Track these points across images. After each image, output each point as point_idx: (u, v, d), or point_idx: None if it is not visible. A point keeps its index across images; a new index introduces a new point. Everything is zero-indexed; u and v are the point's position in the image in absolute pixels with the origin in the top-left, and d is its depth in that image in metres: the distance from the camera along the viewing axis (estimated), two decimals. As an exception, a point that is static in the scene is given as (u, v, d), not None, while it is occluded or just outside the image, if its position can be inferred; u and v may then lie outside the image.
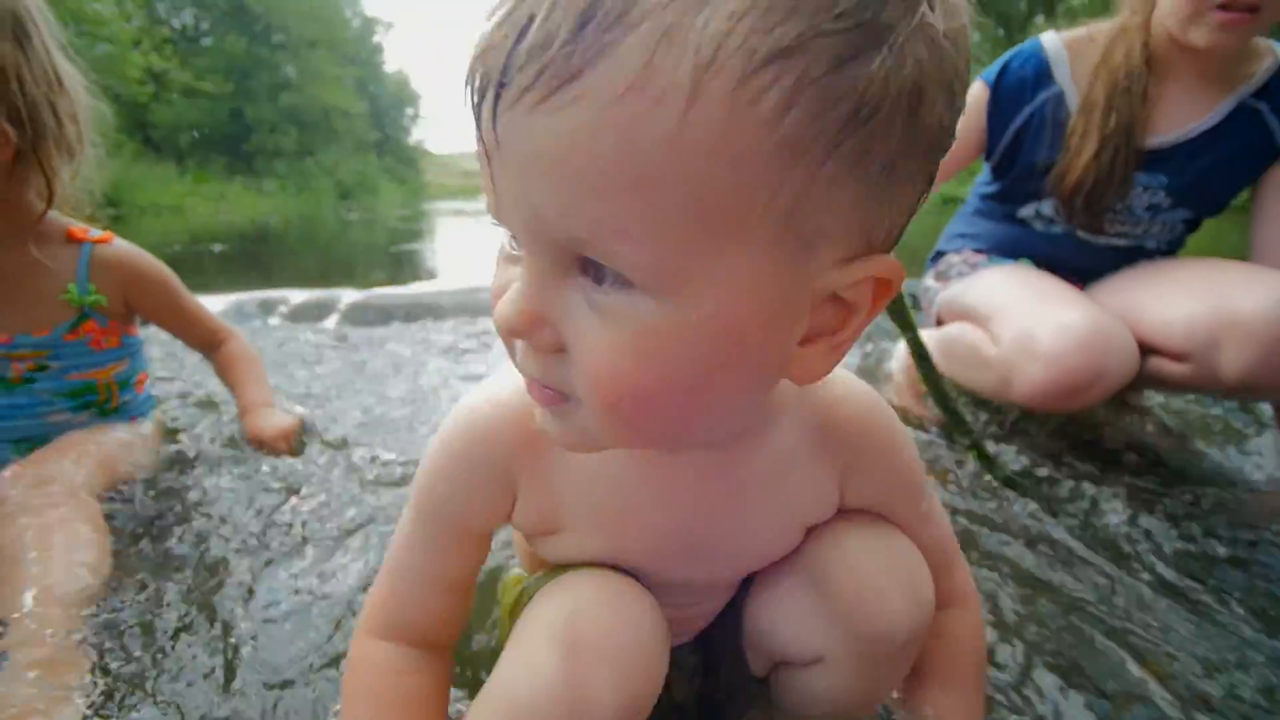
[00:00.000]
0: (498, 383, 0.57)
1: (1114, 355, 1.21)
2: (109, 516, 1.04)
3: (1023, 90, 1.44)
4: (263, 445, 1.32)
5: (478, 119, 0.37)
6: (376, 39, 29.72)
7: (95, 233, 1.19)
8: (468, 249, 8.66)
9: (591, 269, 0.38)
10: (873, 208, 0.38)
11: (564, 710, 0.47)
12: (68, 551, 0.90)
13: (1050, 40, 1.45)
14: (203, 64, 21.26)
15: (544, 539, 0.59)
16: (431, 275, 5.87)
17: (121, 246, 1.22)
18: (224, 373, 1.40)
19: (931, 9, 0.35)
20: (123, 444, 1.21)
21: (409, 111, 32.48)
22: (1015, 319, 1.32)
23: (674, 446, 0.52)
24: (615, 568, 0.58)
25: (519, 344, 0.43)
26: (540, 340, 0.41)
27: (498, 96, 0.35)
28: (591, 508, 0.56)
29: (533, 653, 0.51)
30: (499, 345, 2.45)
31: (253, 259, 6.83)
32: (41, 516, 0.94)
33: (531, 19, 0.33)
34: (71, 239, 1.17)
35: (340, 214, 16.51)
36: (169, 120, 19.58)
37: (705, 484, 0.54)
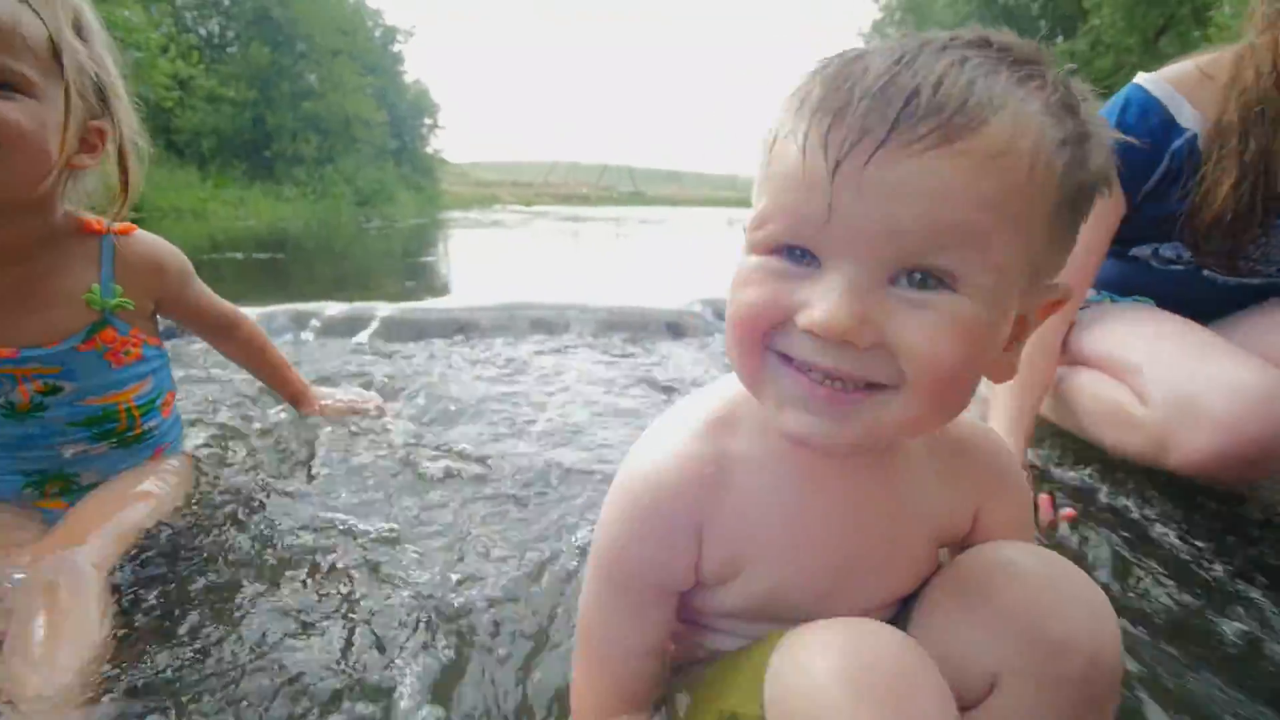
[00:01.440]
0: (664, 434, 0.62)
1: None
2: (131, 587, 0.94)
3: (1153, 144, 1.30)
4: (349, 412, 1.45)
5: (837, 163, 0.46)
6: (397, 48, 29.97)
7: (113, 224, 1.06)
8: (484, 260, 8.60)
9: (906, 276, 0.48)
10: (1065, 251, 0.53)
11: None
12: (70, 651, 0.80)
13: (1155, 84, 1.31)
14: (227, 71, 21.48)
15: (717, 590, 0.63)
16: (447, 288, 5.81)
17: (146, 237, 1.10)
18: (253, 359, 1.33)
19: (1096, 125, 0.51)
20: (152, 498, 1.07)
21: (427, 121, 32.67)
22: (1169, 375, 1.18)
23: (945, 422, 0.57)
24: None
25: (813, 345, 0.49)
26: (863, 337, 0.48)
27: (880, 144, 0.45)
28: (769, 533, 0.61)
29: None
30: (540, 366, 2.33)
31: (271, 267, 6.80)
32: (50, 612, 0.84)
33: (917, 90, 0.45)
34: (88, 231, 1.04)
35: (358, 221, 16.55)
36: (192, 125, 19.75)
37: (860, 492, 0.61)
